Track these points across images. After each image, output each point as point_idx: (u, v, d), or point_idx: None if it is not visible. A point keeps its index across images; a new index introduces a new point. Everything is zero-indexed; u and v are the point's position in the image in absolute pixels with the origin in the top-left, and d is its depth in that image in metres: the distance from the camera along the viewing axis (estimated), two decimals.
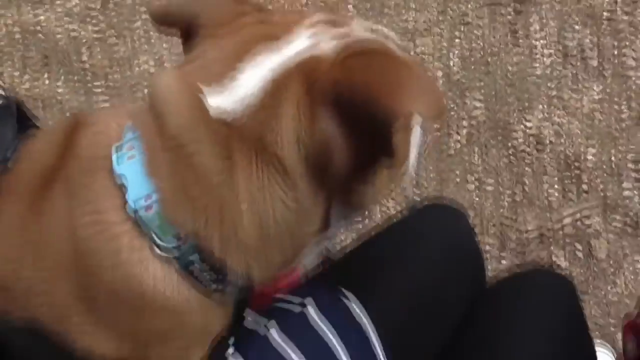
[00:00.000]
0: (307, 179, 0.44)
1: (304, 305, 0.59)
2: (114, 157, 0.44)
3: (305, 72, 0.43)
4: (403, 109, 0.40)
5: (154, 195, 0.43)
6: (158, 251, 0.44)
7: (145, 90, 1.19)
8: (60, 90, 1.27)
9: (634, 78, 1.23)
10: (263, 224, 0.44)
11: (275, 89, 0.43)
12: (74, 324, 0.46)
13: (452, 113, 1.22)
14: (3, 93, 0.52)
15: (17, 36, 1.32)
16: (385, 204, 1.14)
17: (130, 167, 0.44)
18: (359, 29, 0.47)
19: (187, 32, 0.49)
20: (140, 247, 0.44)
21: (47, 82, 1.28)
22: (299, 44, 0.44)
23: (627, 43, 1.27)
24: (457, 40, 1.29)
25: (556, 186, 1.15)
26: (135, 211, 0.43)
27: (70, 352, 0.47)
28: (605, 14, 1.30)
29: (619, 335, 1.00)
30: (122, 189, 0.44)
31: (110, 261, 0.44)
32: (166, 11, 0.50)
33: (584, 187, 1.14)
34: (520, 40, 1.29)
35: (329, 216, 0.48)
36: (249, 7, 0.49)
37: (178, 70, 0.47)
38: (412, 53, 1.29)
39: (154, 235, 0.44)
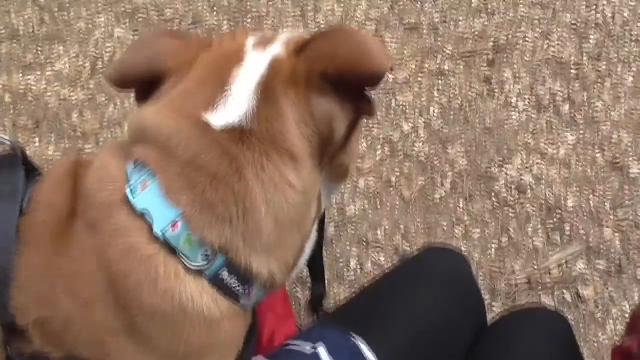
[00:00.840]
0: (311, 157, 0.50)
1: (315, 348, 0.60)
2: (128, 195, 0.48)
3: (278, 69, 0.50)
4: (384, 68, 0.48)
5: (179, 221, 0.46)
6: (190, 265, 0.47)
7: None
8: (50, 152, 1.28)
9: (603, 125, 1.29)
10: (279, 215, 0.49)
11: (263, 92, 0.49)
12: (113, 352, 0.47)
13: (436, 163, 1.26)
14: (8, 141, 0.54)
15: (8, 101, 1.34)
16: (377, 257, 1.16)
17: (149, 200, 0.47)
18: (289, 34, 0.55)
19: (143, 84, 0.54)
20: (174, 263, 0.47)
21: (37, 145, 1.29)
22: (259, 54, 0.52)
23: (595, 91, 1.34)
24: (435, 93, 1.35)
25: (540, 232, 1.18)
26: (163, 234, 0.46)
27: None
28: (572, 65, 1.38)
29: None
30: (144, 217, 0.47)
31: (146, 279, 0.46)
32: (126, 74, 0.55)
33: (567, 232, 1.17)
34: (496, 91, 1.35)
35: (320, 198, 0.54)
36: (199, 42, 0.55)
37: (161, 105, 0.51)
38: (393, 106, 1.34)
39: (183, 254, 0.47)
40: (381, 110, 1.32)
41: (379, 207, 1.21)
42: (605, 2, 1.50)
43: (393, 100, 1.34)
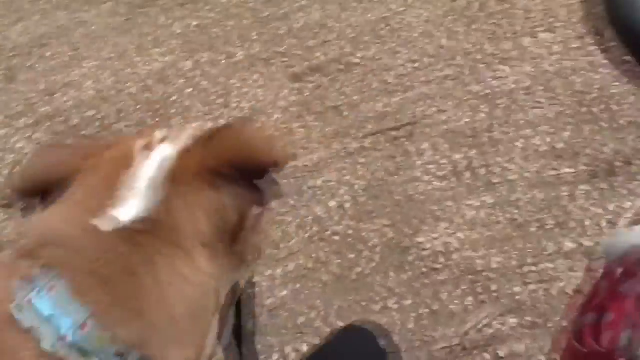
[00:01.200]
0: (210, 247, 0.51)
1: None
2: (15, 311, 0.47)
3: (182, 163, 0.52)
4: (283, 158, 0.52)
5: (89, 321, 0.46)
6: None
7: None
8: None
9: (518, 185, 1.34)
10: (181, 309, 0.49)
11: (155, 190, 0.51)
12: None
13: (355, 239, 1.27)
14: None
15: None
16: (311, 341, 1.15)
17: (56, 303, 0.47)
18: (191, 129, 0.58)
19: (42, 194, 0.56)
20: None
21: None
22: (149, 153, 0.53)
23: (508, 154, 1.39)
24: (348, 172, 1.39)
25: (460, 296, 1.19)
26: (55, 346, 0.45)
27: None
28: (485, 131, 1.44)
29: None
30: (30, 333, 0.46)
31: None
32: (26, 185, 0.57)
33: (489, 293, 1.19)
34: (413, 162, 1.39)
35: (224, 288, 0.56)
36: (89, 149, 0.57)
37: (55, 213, 0.52)
38: (319, 184, 1.37)
39: (95, 354, 0.46)
40: (295, 194, 1.35)
41: (306, 290, 1.21)
42: (510, 72, 1.60)
43: (307, 183, 1.38)
